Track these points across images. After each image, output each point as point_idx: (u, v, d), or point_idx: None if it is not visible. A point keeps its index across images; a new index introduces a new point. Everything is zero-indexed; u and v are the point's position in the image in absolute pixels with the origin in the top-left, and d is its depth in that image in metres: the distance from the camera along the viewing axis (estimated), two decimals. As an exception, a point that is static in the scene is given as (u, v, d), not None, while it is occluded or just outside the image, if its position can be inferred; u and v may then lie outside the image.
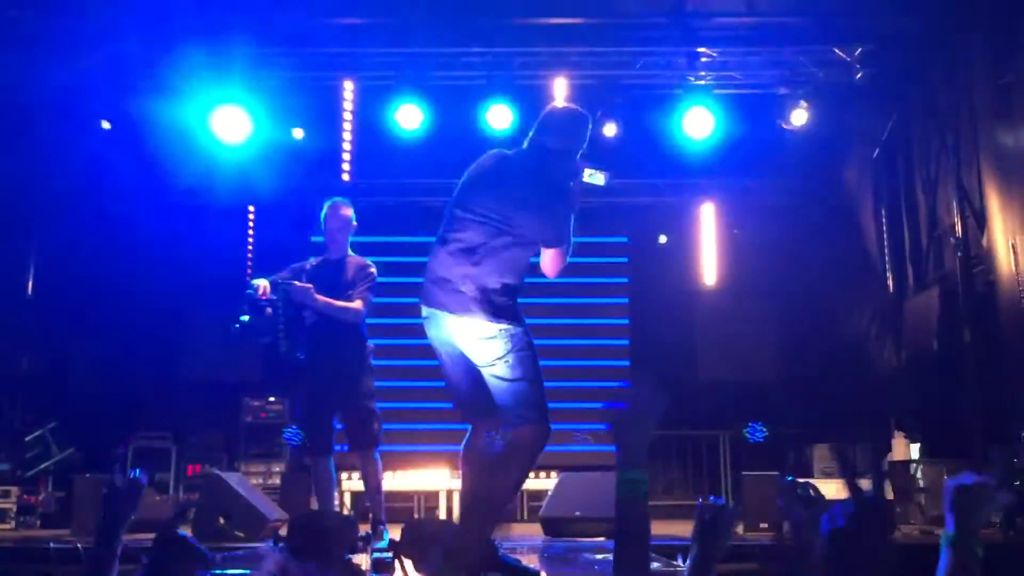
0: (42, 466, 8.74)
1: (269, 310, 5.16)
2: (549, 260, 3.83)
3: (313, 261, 5.65)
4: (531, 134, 3.99)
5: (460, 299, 3.68)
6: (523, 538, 7.01)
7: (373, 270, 5.54)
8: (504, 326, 3.64)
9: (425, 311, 3.84)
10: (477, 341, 3.68)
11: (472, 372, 3.77)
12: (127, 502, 2.42)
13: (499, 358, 3.65)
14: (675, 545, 5.47)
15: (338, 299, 5.36)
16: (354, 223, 5.64)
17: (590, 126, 4.01)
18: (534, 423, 3.64)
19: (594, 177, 3.85)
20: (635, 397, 2.09)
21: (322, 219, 5.61)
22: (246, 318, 5.15)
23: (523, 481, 3.92)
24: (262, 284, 5.19)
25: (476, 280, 3.67)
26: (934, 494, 7.41)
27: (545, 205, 3.76)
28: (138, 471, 2.48)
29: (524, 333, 3.69)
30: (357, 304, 5.38)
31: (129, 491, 2.43)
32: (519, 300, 3.79)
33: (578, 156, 3.93)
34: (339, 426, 5.54)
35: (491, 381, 3.71)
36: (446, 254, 3.79)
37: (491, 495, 3.66)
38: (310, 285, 5.27)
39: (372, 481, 5.51)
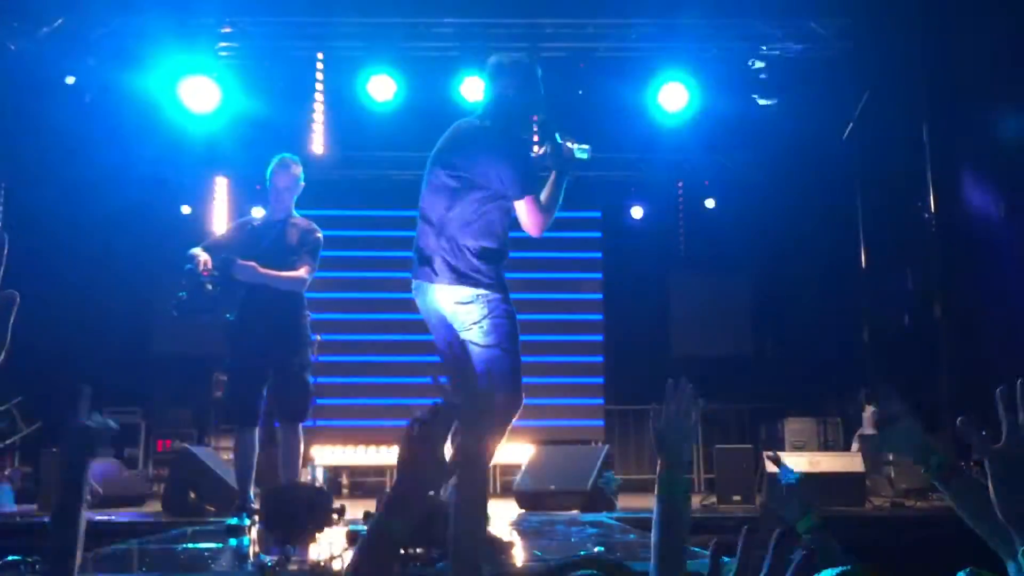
0: (8, 441, 8.62)
1: (209, 286, 4.88)
2: (526, 215, 3.79)
3: (256, 219, 5.40)
4: (484, 92, 4.03)
5: (439, 267, 3.71)
6: (497, 512, 7.00)
7: (319, 235, 5.30)
8: (481, 291, 3.68)
9: (413, 284, 3.87)
10: (454, 306, 3.71)
11: (456, 340, 3.77)
12: (89, 447, 2.09)
13: (474, 323, 3.68)
14: (650, 518, 5.47)
15: (282, 262, 5.10)
16: (302, 183, 5.37)
17: (536, 69, 4.00)
18: (502, 391, 3.61)
19: (580, 151, 3.86)
20: (677, 402, 2.08)
21: (268, 176, 5.34)
22: (184, 295, 4.87)
23: (488, 448, 3.87)
24: (202, 258, 4.93)
25: (453, 243, 3.71)
26: (903, 467, 7.49)
27: (506, 153, 3.76)
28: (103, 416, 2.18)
29: (503, 301, 3.71)
30: (302, 272, 5.12)
31: (96, 435, 2.12)
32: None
33: (534, 101, 3.94)
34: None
35: (468, 347, 3.72)
36: (423, 223, 3.83)
37: (464, 463, 3.63)
38: (253, 264, 4.97)
39: (294, 455, 5.16)
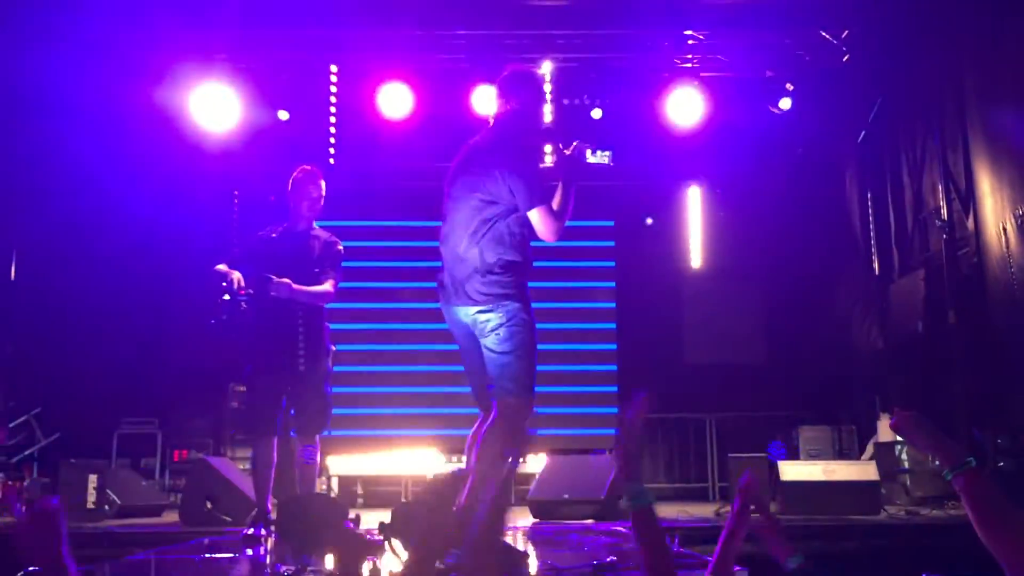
0: (27, 452, 8.71)
1: (244, 305, 4.91)
2: (540, 223, 3.88)
3: (271, 231, 5.37)
4: (495, 104, 4.14)
5: (462, 282, 3.85)
6: (511, 521, 7.02)
7: (341, 247, 5.32)
8: (500, 300, 3.80)
9: (440, 297, 4.01)
10: (476, 315, 3.84)
11: (479, 351, 3.89)
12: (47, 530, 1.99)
13: (492, 330, 3.80)
14: (663, 528, 5.47)
15: (305, 274, 5.12)
16: (323, 194, 5.36)
17: (543, 81, 4.09)
18: (516, 396, 3.75)
19: (599, 157, 3.97)
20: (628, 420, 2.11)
21: (293, 184, 5.30)
22: (224, 317, 4.89)
23: (509, 456, 3.92)
24: (236, 276, 4.95)
25: (475, 262, 3.83)
26: (918, 475, 7.46)
27: (516, 166, 3.87)
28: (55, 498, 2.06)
29: (522, 309, 3.83)
30: (329, 287, 5.15)
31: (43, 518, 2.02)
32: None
33: (540, 112, 4.13)
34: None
35: (485, 353, 3.85)
36: (445, 241, 3.97)
37: (485, 474, 3.68)
38: (287, 281, 4.99)
39: (312, 466, 5.19)
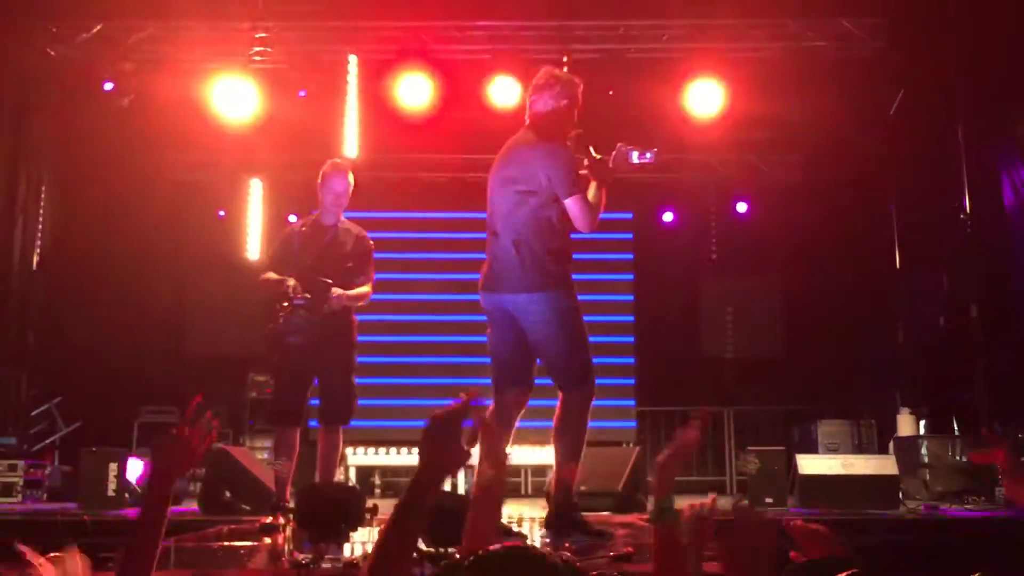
0: (48, 440, 8.78)
1: (303, 311, 5.00)
2: (576, 212, 4.10)
3: (300, 225, 5.41)
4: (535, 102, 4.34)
5: (509, 272, 4.08)
6: (528, 513, 7.01)
7: (371, 242, 5.39)
8: (548, 292, 4.04)
9: (481, 287, 4.24)
10: (522, 303, 4.05)
11: (516, 338, 4.12)
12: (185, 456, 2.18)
13: (544, 323, 4.03)
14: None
15: (338, 268, 5.18)
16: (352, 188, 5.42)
17: (578, 85, 4.36)
18: (578, 387, 4.07)
19: (645, 157, 4.23)
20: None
21: (322, 179, 5.33)
22: (281, 321, 5.00)
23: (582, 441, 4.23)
24: (292, 284, 5.02)
25: (520, 251, 4.05)
26: (937, 470, 7.41)
27: (555, 158, 4.11)
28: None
29: (567, 296, 4.09)
30: (368, 289, 5.26)
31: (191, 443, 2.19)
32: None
33: (574, 113, 4.33)
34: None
35: (537, 346, 4.09)
36: (492, 235, 4.20)
37: (568, 464, 4.11)
38: (342, 291, 5.09)
39: (333, 456, 5.28)
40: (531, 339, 4.11)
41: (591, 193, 4.17)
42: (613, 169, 4.24)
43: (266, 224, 9.55)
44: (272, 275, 5.18)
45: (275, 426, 5.47)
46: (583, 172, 4.25)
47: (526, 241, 4.06)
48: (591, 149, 4.27)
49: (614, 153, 4.26)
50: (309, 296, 4.99)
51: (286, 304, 4.98)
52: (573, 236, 4.23)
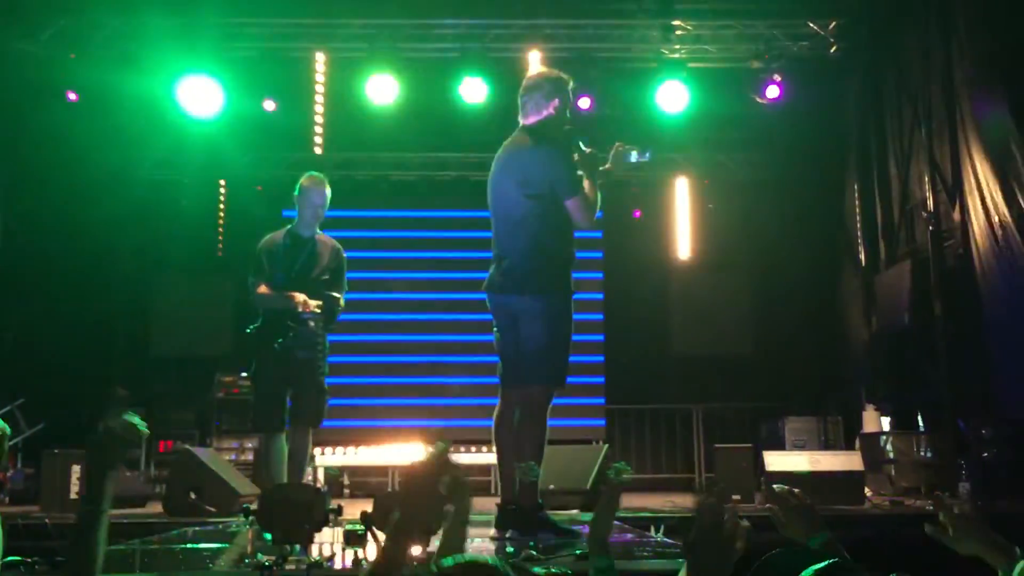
0: (11, 442, 8.64)
1: (311, 323, 5.12)
2: (577, 211, 4.21)
3: (278, 236, 5.42)
4: (519, 109, 4.44)
5: (510, 273, 4.20)
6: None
7: (345, 256, 5.47)
8: (549, 294, 4.16)
9: (486, 286, 4.35)
10: (527, 306, 4.17)
11: (516, 338, 4.22)
12: (117, 449, 2.19)
13: (531, 317, 4.14)
14: (648, 518, 5.51)
15: (316, 280, 5.27)
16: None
17: (568, 83, 4.45)
18: (543, 382, 4.16)
19: (643, 156, 4.35)
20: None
21: (301, 192, 5.36)
22: (290, 335, 5.08)
23: (543, 437, 4.27)
24: (301, 299, 5.10)
25: (527, 254, 4.17)
26: (903, 466, 7.50)
27: (555, 160, 4.23)
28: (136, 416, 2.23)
29: (561, 298, 4.20)
30: (343, 302, 5.34)
31: (123, 437, 2.21)
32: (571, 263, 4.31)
33: (567, 113, 4.43)
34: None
35: (520, 337, 4.18)
36: (496, 236, 4.32)
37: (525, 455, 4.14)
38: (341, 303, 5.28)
39: (303, 457, 5.33)
40: (521, 332, 4.20)
41: (586, 188, 4.26)
42: (611, 169, 4.36)
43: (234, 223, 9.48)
44: (266, 289, 5.24)
45: (261, 433, 5.50)
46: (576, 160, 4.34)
47: (531, 244, 4.16)
48: (581, 144, 4.34)
49: (612, 153, 4.36)
50: (319, 311, 5.13)
51: (297, 318, 5.08)
52: (595, 212, 4.35)
